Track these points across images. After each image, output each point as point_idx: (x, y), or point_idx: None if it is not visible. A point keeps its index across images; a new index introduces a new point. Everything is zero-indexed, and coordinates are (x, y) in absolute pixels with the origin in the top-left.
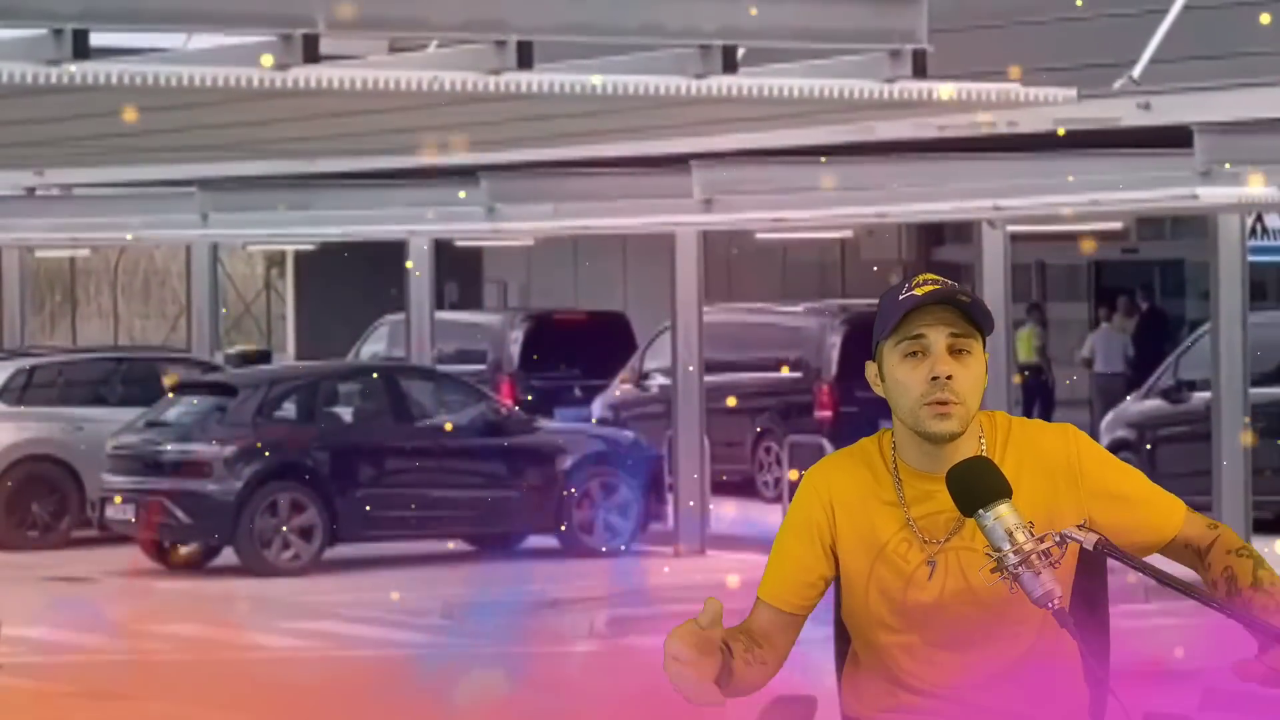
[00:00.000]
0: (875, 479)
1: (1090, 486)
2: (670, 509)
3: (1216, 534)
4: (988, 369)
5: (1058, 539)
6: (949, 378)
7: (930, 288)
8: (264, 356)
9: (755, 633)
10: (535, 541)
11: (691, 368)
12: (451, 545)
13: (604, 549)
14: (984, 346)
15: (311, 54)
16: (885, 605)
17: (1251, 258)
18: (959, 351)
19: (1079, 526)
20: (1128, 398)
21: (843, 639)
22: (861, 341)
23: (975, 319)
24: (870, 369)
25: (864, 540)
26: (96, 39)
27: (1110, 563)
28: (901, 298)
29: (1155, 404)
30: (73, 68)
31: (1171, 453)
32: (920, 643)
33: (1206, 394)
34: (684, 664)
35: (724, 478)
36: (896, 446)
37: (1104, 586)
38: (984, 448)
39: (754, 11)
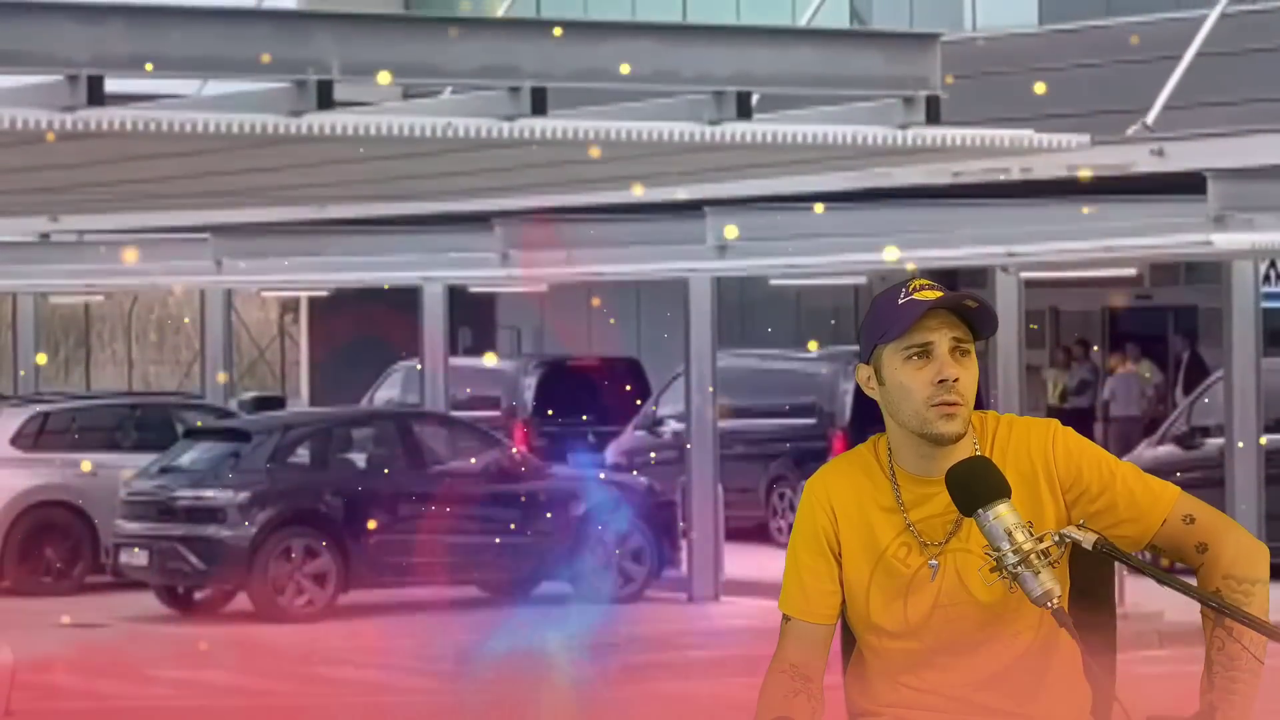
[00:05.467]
0: (873, 485)
1: (1064, 484)
2: (684, 555)
3: (1203, 559)
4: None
5: (1057, 538)
6: (956, 380)
7: (931, 293)
8: (278, 402)
9: (799, 666)
10: (549, 588)
11: (706, 413)
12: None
13: (618, 595)
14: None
15: (325, 100)
16: (885, 610)
17: (1265, 304)
18: (960, 354)
19: (1078, 526)
20: (1142, 443)
21: (848, 635)
22: None
23: (975, 324)
24: (863, 372)
25: (864, 546)
26: (111, 85)
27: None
28: (902, 302)
29: (1169, 450)
30: (87, 114)
31: None
32: (920, 648)
33: (1220, 440)
34: None
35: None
36: (892, 451)
37: (1109, 586)
38: (976, 448)
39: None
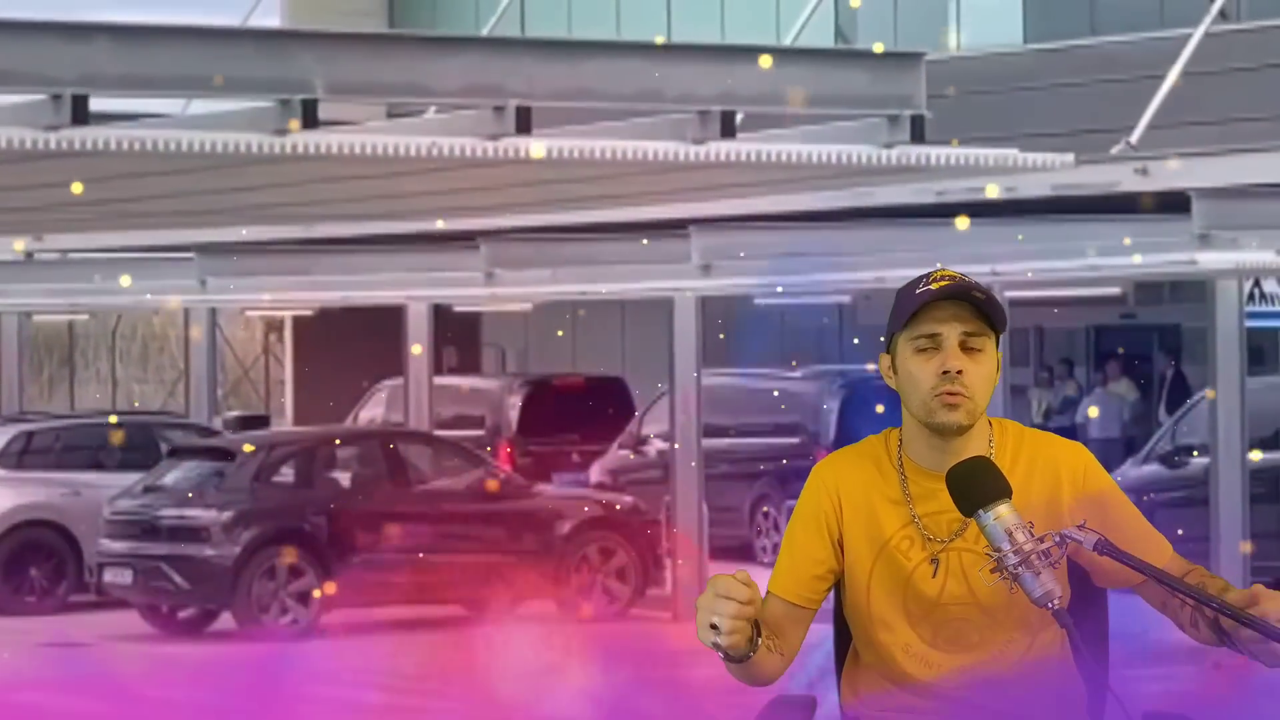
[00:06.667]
0: (881, 475)
1: (1093, 505)
2: (668, 574)
3: (1191, 568)
4: (999, 368)
5: (1057, 539)
6: (960, 372)
7: (946, 283)
8: (262, 421)
9: (770, 625)
10: (533, 607)
11: (690, 432)
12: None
13: (602, 614)
14: (996, 345)
15: (310, 120)
16: (886, 603)
17: (1249, 323)
18: (971, 349)
19: (1079, 527)
20: (1126, 462)
21: (843, 636)
22: (859, 407)
23: (989, 316)
24: (883, 361)
25: (868, 535)
26: (96, 104)
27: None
28: (918, 291)
29: (1153, 469)
30: (72, 133)
31: (1169, 518)
32: (918, 642)
33: (1205, 459)
34: (730, 605)
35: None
36: (903, 443)
37: (1103, 589)
38: (993, 451)
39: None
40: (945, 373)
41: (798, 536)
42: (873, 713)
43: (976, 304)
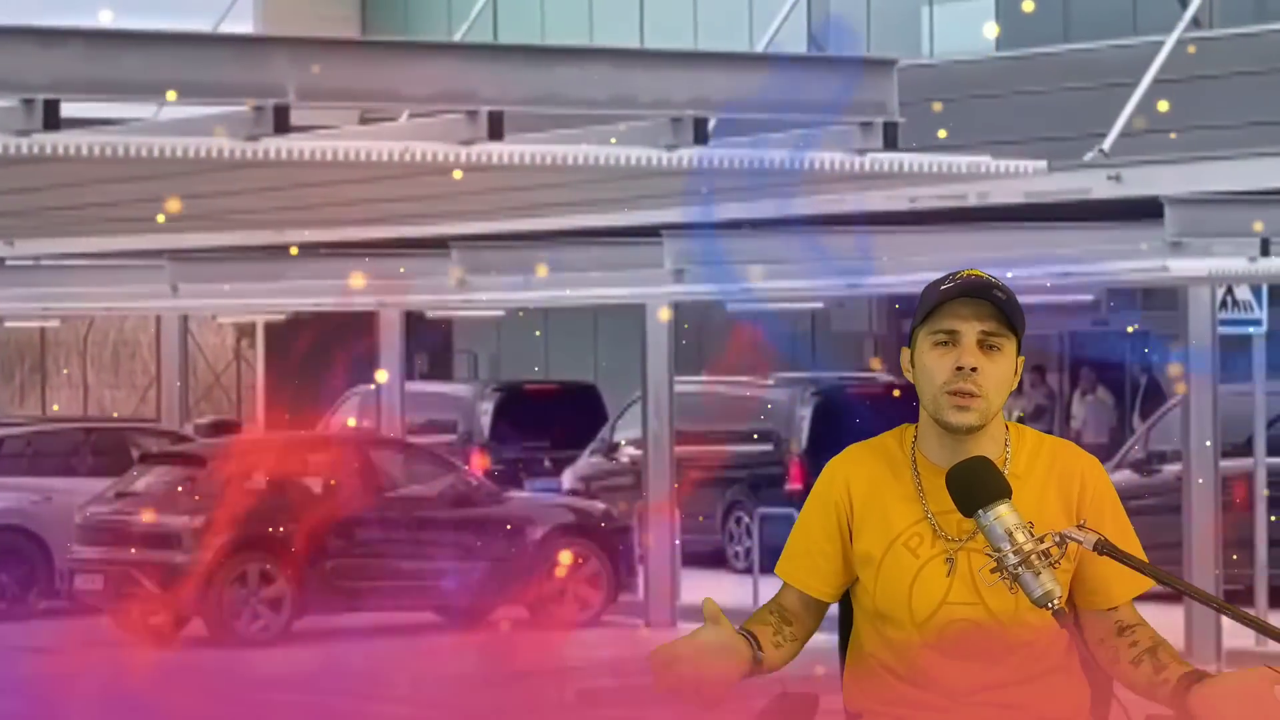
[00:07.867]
0: (894, 472)
1: (1094, 520)
2: (640, 580)
3: (1142, 623)
4: (1019, 372)
5: (1057, 539)
6: (974, 370)
7: (969, 281)
8: (234, 427)
9: (786, 610)
10: (505, 613)
11: (662, 438)
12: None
13: (574, 620)
14: (1018, 349)
15: (282, 125)
16: (890, 598)
17: (1221, 330)
18: (990, 348)
19: (1078, 526)
20: None
21: (847, 631)
22: (831, 414)
23: (1010, 317)
24: (904, 355)
25: (878, 529)
26: (67, 109)
27: None
28: (943, 288)
29: (1126, 475)
30: (44, 138)
31: (1142, 524)
32: (921, 642)
33: (1177, 466)
34: (685, 665)
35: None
36: (918, 440)
37: None
38: (1008, 454)
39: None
40: (960, 369)
41: (812, 528)
42: (876, 707)
43: (997, 303)
